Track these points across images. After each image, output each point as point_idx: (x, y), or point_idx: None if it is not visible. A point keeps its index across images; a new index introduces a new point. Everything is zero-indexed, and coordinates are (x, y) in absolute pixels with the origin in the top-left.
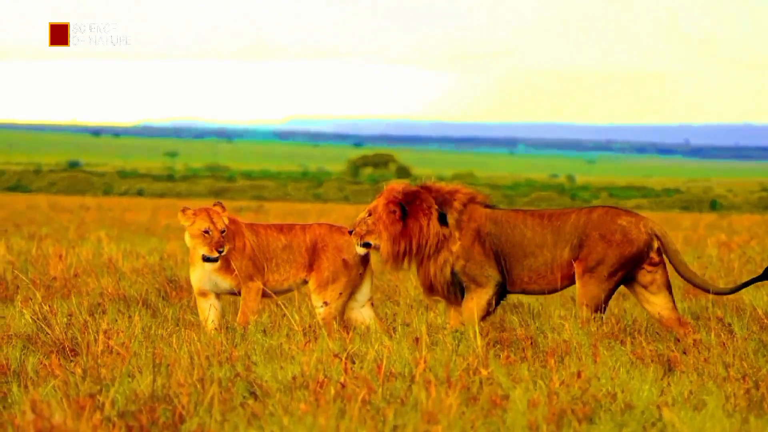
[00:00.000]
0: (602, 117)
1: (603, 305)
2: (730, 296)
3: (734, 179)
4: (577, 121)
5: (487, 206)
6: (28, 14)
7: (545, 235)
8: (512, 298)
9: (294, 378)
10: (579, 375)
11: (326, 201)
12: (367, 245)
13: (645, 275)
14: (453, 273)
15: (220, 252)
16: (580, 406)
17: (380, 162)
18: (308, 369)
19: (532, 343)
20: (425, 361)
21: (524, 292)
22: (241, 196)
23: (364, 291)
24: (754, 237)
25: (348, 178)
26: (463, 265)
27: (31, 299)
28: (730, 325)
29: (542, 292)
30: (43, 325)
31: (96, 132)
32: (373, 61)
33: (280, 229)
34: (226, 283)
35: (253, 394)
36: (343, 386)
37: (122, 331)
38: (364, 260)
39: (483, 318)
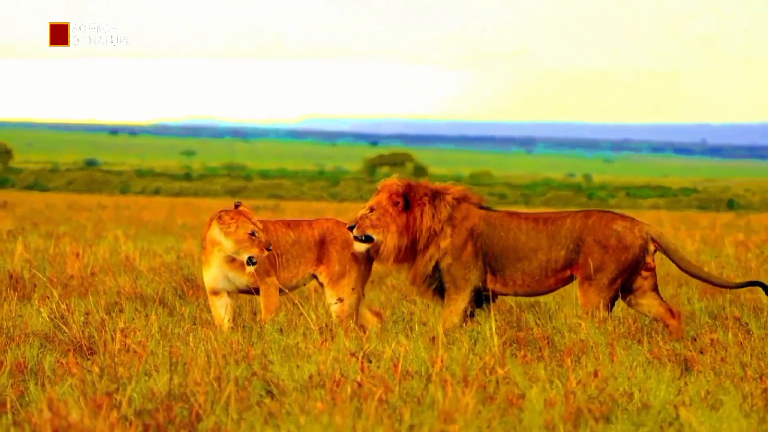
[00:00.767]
0: (619, 116)
1: (608, 309)
2: (748, 296)
3: (752, 178)
4: (594, 121)
5: (481, 207)
6: (42, 12)
7: (540, 239)
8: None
9: (310, 377)
10: (596, 374)
11: (342, 200)
12: (368, 240)
13: (638, 280)
14: (436, 269)
15: (269, 249)
16: (597, 406)
17: (397, 161)
18: (325, 368)
19: (548, 343)
20: (442, 360)
21: (516, 294)
22: (258, 195)
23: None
24: None
25: (364, 177)
26: (450, 263)
27: (49, 298)
28: (747, 324)
29: (534, 294)
30: (60, 324)
31: (113, 131)
32: (389, 60)
33: (288, 224)
34: (243, 280)
35: (269, 392)
36: (360, 385)
37: (139, 330)
38: (369, 258)
39: (456, 325)
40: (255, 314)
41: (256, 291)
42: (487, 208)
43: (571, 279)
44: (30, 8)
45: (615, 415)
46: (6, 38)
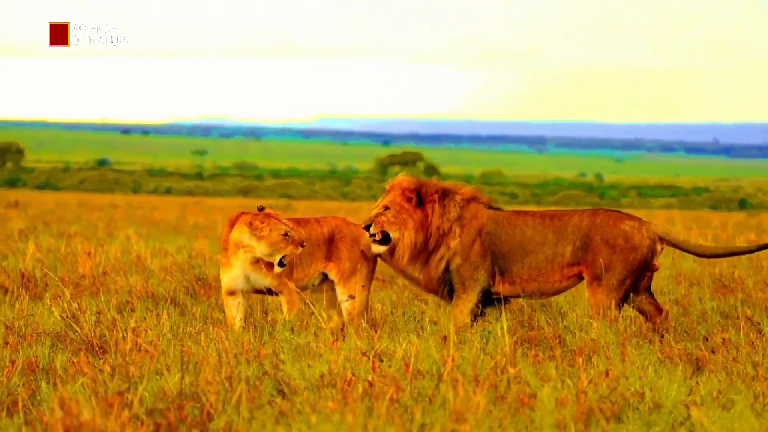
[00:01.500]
0: (631, 116)
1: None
2: (760, 295)
3: (763, 178)
4: (605, 120)
5: (490, 207)
6: (48, 11)
7: (546, 234)
8: None
9: (322, 376)
10: (607, 374)
11: (354, 199)
12: (386, 241)
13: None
14: (446, 270)
15: (303, 246)
16: (608, 405)
17: (408, 160)
18: (336, 367)
19: (560, 342)
20: (453, 360)
21: (523, 292)
22: (269, 194)
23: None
24: None
25: (376, 176)
26: (459, 264)
27: (60, 297)
28: (759, 324)
29: (540, 293)
30: (71, 323)
31: (125, 130)
32: (401, 59)
33: (297, 222)
34: (266, 281)
35: (280, 392)
36: (371, 385)
37: (150, 329)
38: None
39: (467, 324)
40: (266, 313)
41: (270, 291)
42: (497, 209)
43: (578, 278)
44: (30, 8)
45: (626, 414)
46: (15, 38)
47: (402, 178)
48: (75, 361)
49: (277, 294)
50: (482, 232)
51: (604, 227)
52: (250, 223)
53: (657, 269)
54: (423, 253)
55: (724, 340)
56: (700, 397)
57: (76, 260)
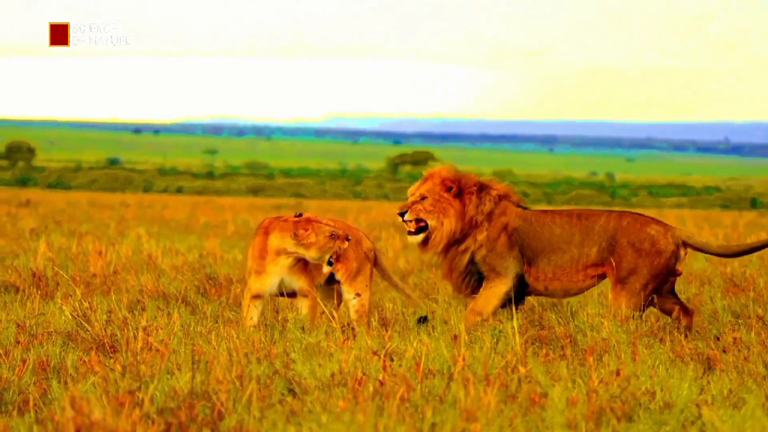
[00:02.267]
0: (642, 115)
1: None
2: None
3: None
4: (616, 119)
5: (519, 206)
6: (48, 11)
7: (573, 233)
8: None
9: (332, 375)
10: (618, 373)
11: (365, 199)
12: (422, 230)
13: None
14: (471, 262)
15: (348, 240)
16: (619, 405)
17: (419, 160)
18: (347, 366)
19: (570, 341)
20: (464, 359)
21: (546, 290)
22: (280, 193)
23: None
24: None
25: (387, 175)
26: (485, 255)
27: (71, 296)
28: None
29: (562, 292)
30: (82, 322)
31: (136, 129)
32: (412, 58)
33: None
34: (298, 284)
35: (291, 391)
36: (382, 384)
37: (161, 328)
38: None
39: (496, 309)
40: (277, 312)
41: (290, 295)
42: (524, 208)
43: (600, 278)
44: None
45: (637, 414)
46: (15, 38)
47: (442, 167)
48: (86, 360)
49: (303, 296)
50: (508, 228)
51: (630, 230)
52: (295, 234)
53: (680, 274)
54: (454, 243)
55: (735, 339)
56: (711, 397)
57: (87, 259)
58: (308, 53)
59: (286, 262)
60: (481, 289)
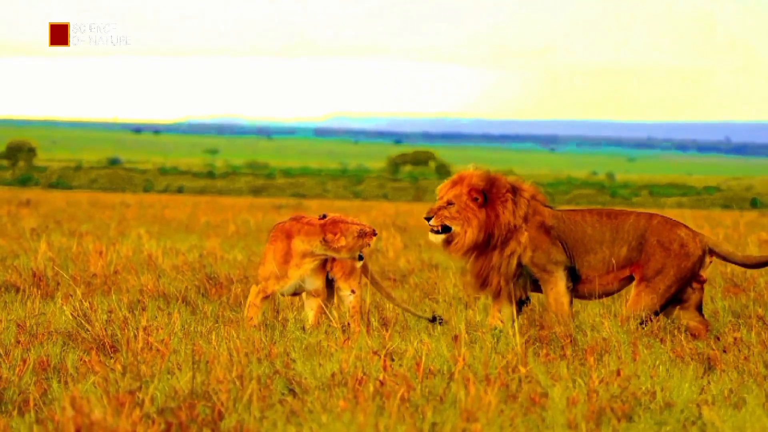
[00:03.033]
0: (643, 114)
1: (651, 316)
2: None
3: None
4: (617, 119)
5: (545, 206)
6: (48, 11)
7: (604, 232)
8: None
9: (333, 375)
10: (618, 373)
11: (365, 198)
12: (446, 230)
13: (687, 292)
14: (519, 265)
15: (375, 234)
16: (620, 404)
17: (420, 160)
18: (347, 366)
19: (571, 341)
20: (464, 359)
21: (576, 293)
22: (281, 193)
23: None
24: None
25: (387, 175)
26: (531, 255)
27: (72, 296)
28: None
29: (590, 294)
30: (83, 322)
31: (137, 129)
32: (413, 58)
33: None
34: (316, 284)
35: (291, 391)
36: (382, 383)
37: (162, 328)
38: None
39: (570, 304)
40: (277, 312)
41: (295, 293)
42: (551, 207)
43: (628, 281)
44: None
45: (637, 414)
46: (15, 38)
47: (471, 173)
48: (86, 360)
49: (316, 296)
50: (545, 226)
51: (661, 230)
52: (325, 240)
53: (705, 281)
54: (481, 249)
55: (735, 339)
56: (712, 397)
57: (87, 259)
58: (309, 53)
59: (311, 265)
60: (546, 296)
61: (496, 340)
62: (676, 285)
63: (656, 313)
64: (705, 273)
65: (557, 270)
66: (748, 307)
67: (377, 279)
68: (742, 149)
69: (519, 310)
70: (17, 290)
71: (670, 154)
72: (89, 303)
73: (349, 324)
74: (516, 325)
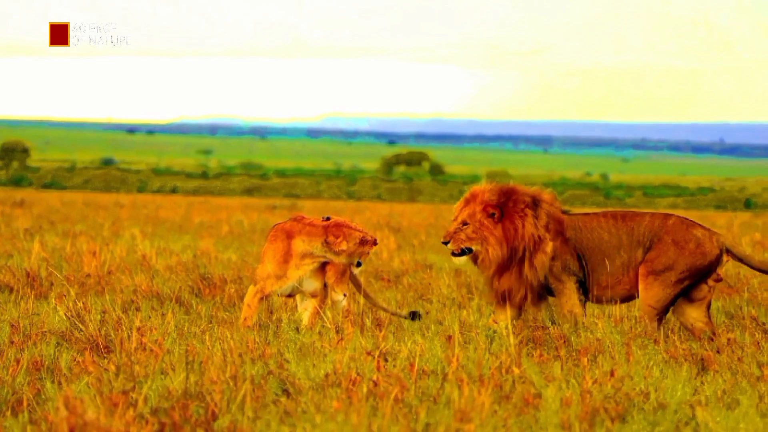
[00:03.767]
0: (637, 115)
1: (665, 311)
2: (765, 295)
3: None
4: (611, 120)
5: (563, 212)
6: (48, 11)
7: (621, 236)
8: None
9: (326, 376)
10: (612, 374)
11: (359, 199)
12: (467, 251)
13: (702, 290)
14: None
15: (376, 243)
16: (613, 405)
17: (414, 160)
18: (341, 367)
19: (565, 342)
20: (458, 360)
21: (595, 300)
22: (275, 193)
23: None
24: None
25: (382, 176)
26: (552, 265)
27: (65, 296)
28: (764, 324)
29: (609, 300)
30: (76, 322)
31: (131, 130)
32: (407, 59)
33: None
34: (315, 285)
35: (285, 391)
36: (376, 384)
37: (155, 329)
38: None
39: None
40: (271, 313)
41: (290, 294)
42: (566, 212)
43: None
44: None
45: (631, 414)
46: (15, 38)
47: (483, 189)
48: (80, 361)
49: (314, 296)
50: (564, 234)
51: (676, 229)
52: (326, 242)
53: (721, 280)
54: (509, 263)
55: (729, 340)
56: (705, 397)
57: (81, 259)
58: (303, 54)
59: (310, 267)
60: (560, 306)
61: (489, 340)
62: (689, 279)
63: (667, 310)
64: (721, 271)
65: (570, 281)
66: (741, 308)
67: (369, 293)
68: (735, 150)
69: (519, 314)
70: (11, 290)
71: (664, 155)
72: (83, 303)
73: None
74: (510, 325)
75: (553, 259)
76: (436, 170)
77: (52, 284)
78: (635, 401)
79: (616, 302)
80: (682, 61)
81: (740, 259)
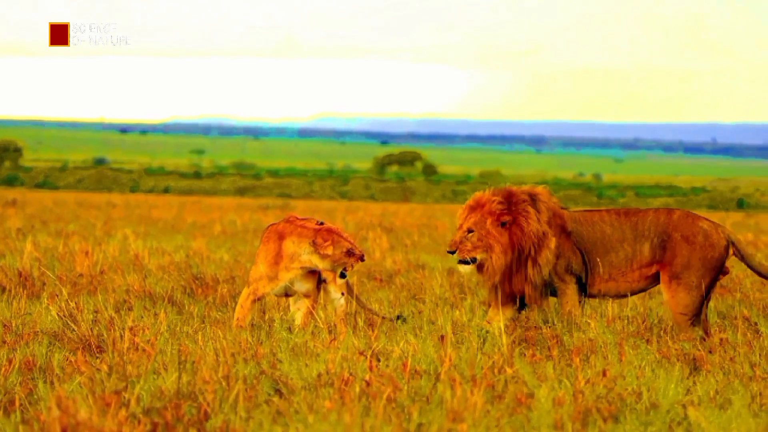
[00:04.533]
0: (629, 115)
1: (697, 314)
2: (757, 295)
3: (761, 178)
4: (604, 120)
5: (562, 208)
6: (48, 11)
7: (624, 230)
8: None
9: (319, 375)
10: (604, 374)
11: (352, 199)
12: (472, 261)
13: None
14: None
15: (363, 260)
16: (606, 405)
17: (406, 160)
18: (333, 367)
19: (557, 342)
20: (450, 359)
21: (600, 293)
22: (267, 193)
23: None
24: None
25: (374, 176)
26: (555, 262)
27: (58, 296)
28: (756, 324)
29: (616, 293)
30: (69, 322)
31: (123, 129)
32: (400, 58)
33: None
34: (306, 287)
35: (278, 391)
36: (368, 384)
37: (148, 328)
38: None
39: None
40: (264, 313)
41: (286, 294)
42: (565, 208)
43: (654, 279)
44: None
45: (623, 414)
46: (15, 37)
47: (486, 198)
48: (72, 360)
49: (306, 297)
50: (565, 230)
51: (683, 224)
52: (314, 242)
53: (728, 273)
54: (517, 264)
55: (721, 340)
56: (698, 397)
57: (73, 259)
58: (296, 54)
59: (301, 269)
60: (561, 306)
61: (482, 340)
62: (708, 276)
63: (699, 310)
64: (728, 263)
65: (572, 282)
66: (734, 308)
67: (362, 301)
68: (728, 150)
69: (519, 314)
70: (3, 290)
71: (656, 155)
72: (75, 303)
73: (335, 325)
74: (502, 325)
75: (559, 257)
76: (429, 170)
77: (44, 284)
78: (628, 401)
79: (621, 296)
80: (675, 62)
81: (741, 255)
